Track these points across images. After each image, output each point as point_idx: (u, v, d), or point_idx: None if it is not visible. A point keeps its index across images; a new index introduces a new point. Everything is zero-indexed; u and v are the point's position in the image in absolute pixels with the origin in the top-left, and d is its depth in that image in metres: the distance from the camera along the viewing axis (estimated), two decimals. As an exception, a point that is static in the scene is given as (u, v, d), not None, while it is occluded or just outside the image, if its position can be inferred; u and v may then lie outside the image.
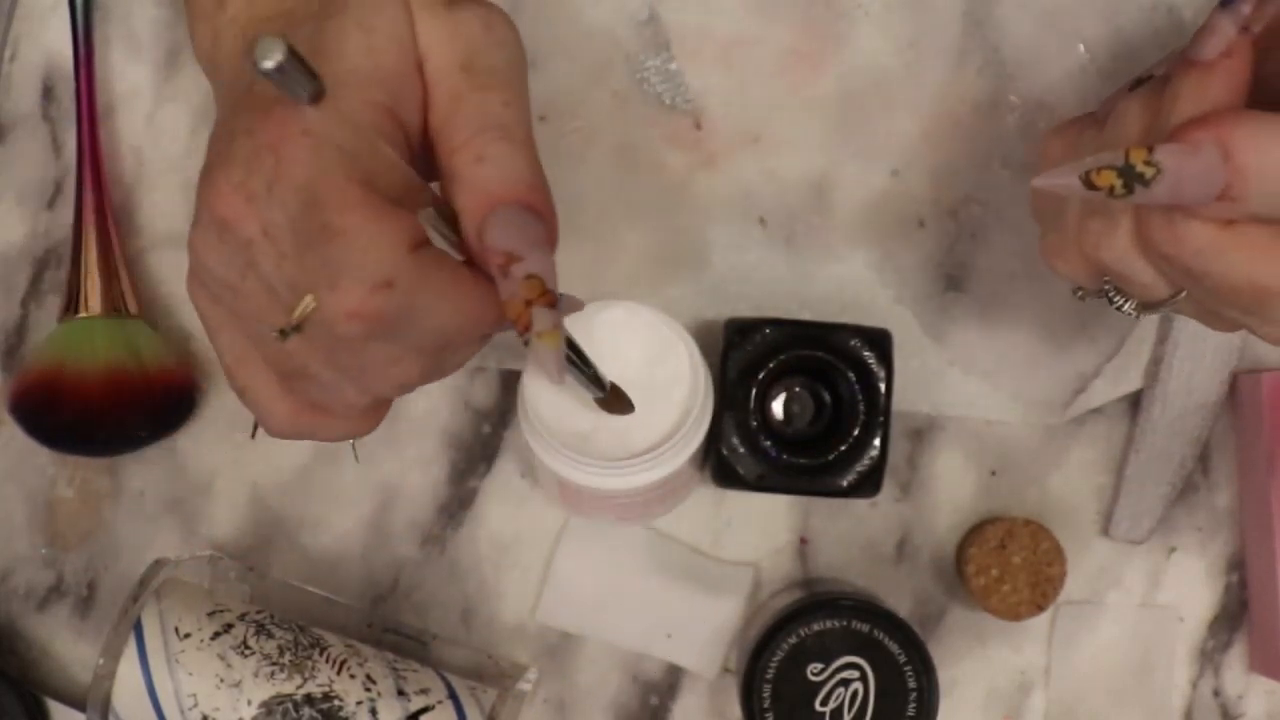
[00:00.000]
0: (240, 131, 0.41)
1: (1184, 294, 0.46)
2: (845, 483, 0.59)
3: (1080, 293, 0.50)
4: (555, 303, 0.40)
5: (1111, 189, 0.41)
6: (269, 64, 0.35)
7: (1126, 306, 0.48)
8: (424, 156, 0.44)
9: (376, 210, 0.40)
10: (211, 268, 0.43)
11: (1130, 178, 0.40)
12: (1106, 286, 0.48)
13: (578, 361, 0.49)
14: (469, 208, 0.42)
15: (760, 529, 0.64)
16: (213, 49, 0.48)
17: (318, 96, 0.37)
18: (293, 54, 0.36)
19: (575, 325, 0.55)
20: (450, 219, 0.43)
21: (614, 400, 0.53)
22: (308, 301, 0.41)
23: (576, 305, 0.43)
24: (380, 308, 0.40)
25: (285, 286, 0.41)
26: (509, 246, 0.40)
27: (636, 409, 0.55)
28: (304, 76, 0.37)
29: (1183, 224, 0.42)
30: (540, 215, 0.42)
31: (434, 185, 0.44)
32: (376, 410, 0.47)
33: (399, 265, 0.40)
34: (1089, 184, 0.41)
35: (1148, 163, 0.40)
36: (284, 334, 0.42)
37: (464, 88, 0.42)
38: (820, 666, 0.56)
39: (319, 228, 0.39)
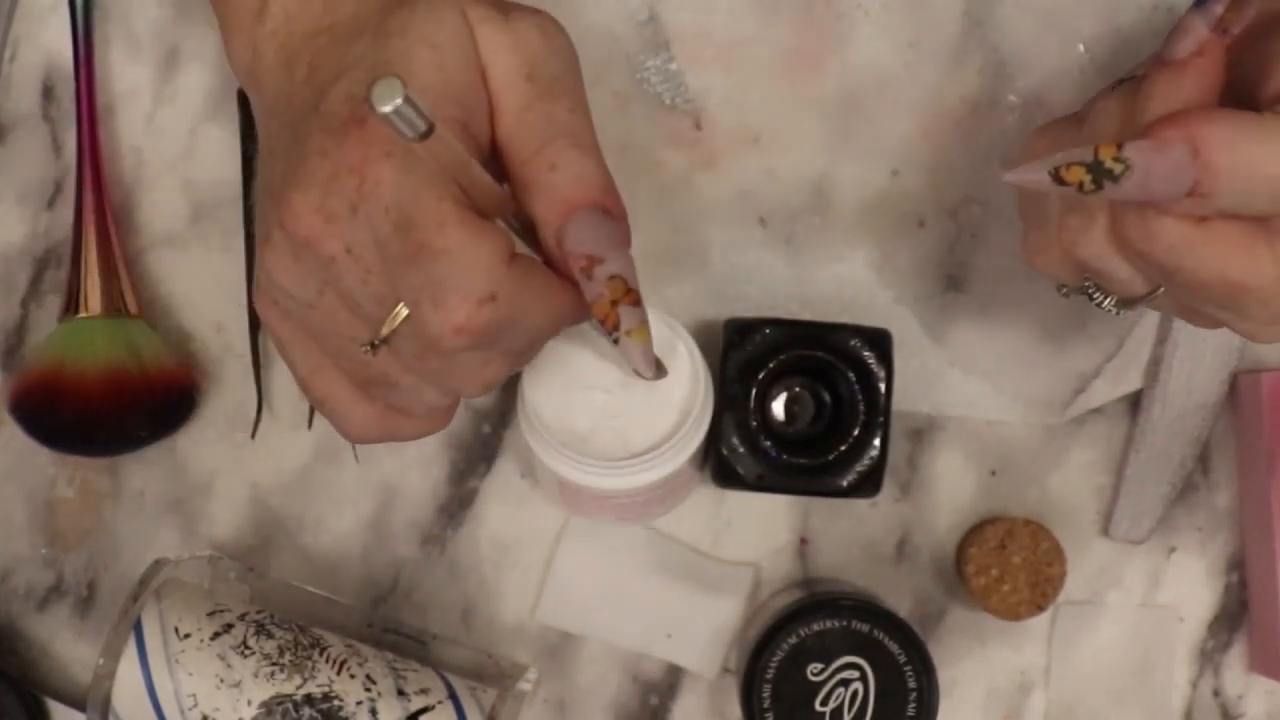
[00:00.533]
0: (314, 153, 0.42)
1: (1161, 290, 0.46)
2: (845, 483, 0.59)
3: (1064, 290, 0.50)
4: (639, 300, 0.42)
5: (1081, 185, 0.41)
6: (387, 107, 0.36)
7: (1106, 303, 0.49)
8: (493, 166, 0.45)
9: (472, 227, 0.41)
10: (285, 286, 0.44)
11: (1099, 174, 0.41)
12: (1087, 283, 0.49)
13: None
14: (547, 214, 0.43)
15: (760, 529, 0.64)
16: (252, 62, 0.48)
17: (427, 135, 0.38)
18: (409, 98, 0.36)
19: (578, 325, 0.55)
20: (524, 224, 0.44)
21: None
22: (398, 312, 0.42)
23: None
24: (486, 321, 0.41)
25: (372, 301, 0.42)
26: (590, 250, 0.42)
27: (636, 409, 0.55)
28: (418, 118, 0.37)
29: (1155, 220, 0.42)
30: (615, 216, 0.43)
31: None
32: (452, 409, 0.48)
33: (501, 278, 0.41)
34: (1058, 179, 0.41)
35: (1116, 159, 0.41)
36: (374, 347, 0.43)
37: (530, 97, 0.43)
38: (820, 666, 0.56)
39: (417, 247, 0.40)
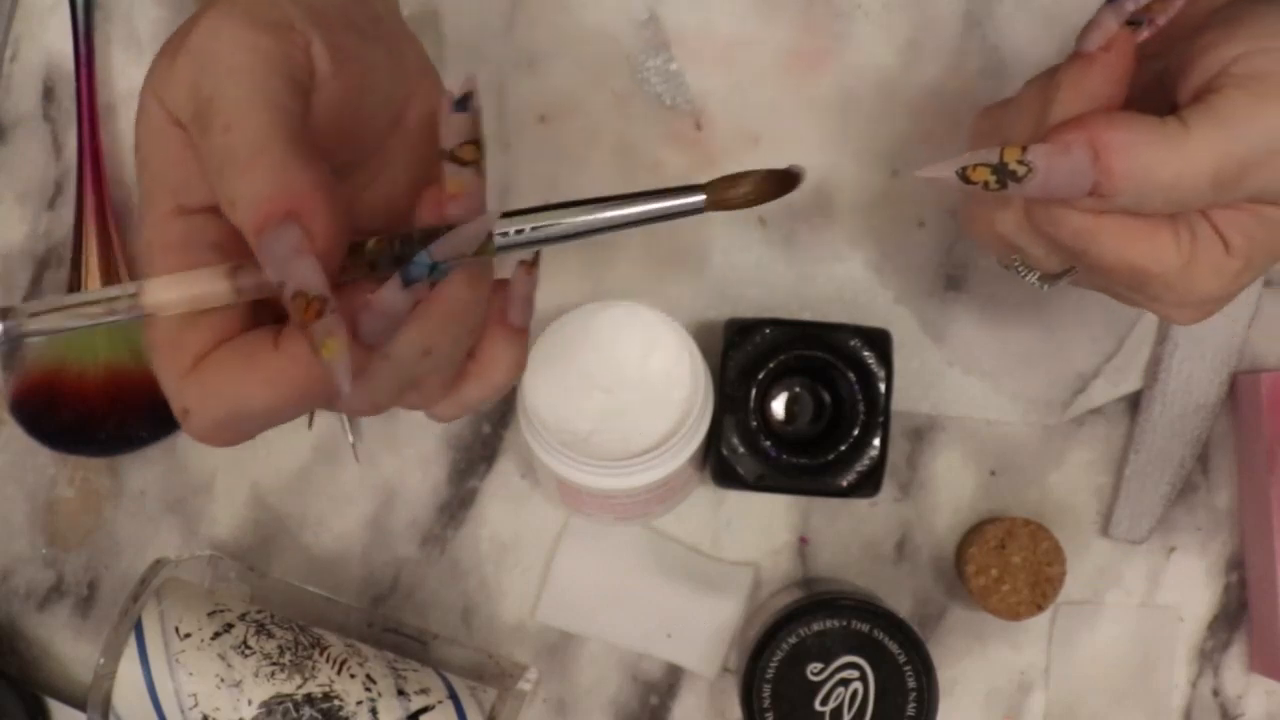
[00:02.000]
0: None
1: (1075, 269, 0.48)
2: (845, 483, 0.59)
3: (1004, 263, 0.52)
4: (323, 309, 0.37)
5: (986, 184, 0.43)
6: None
7: (1030, 277, 0.50)
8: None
9: (167, 344, 0.41)
10: None
11: (1003, 175, 0.43)
12: (1014, 258, 0.50)
13: (622, 203, 0.42)
14: (258, 256, 0.39)
15: (760, 529, 0.64)
16: None
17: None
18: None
19: (577, 325, 0.55)
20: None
21: (744, 187, 0.43)
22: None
23: (478, 227, 0.40)
24: (200, 430, 0.41)
25: None
26: (276, 275, 0.38)
27: (636, 409, 0.55)
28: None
29: (1058, 208, 0.44)
30: (297, 217, 0.38)
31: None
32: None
33: (184, 393, 0.41)
34: (965, 179, 0.43)
35: (1020, 162, 0.43)
36: None
37: (197, 139, 0.40)
38: (820, 666, 0.56)
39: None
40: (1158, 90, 0.46)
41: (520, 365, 0.44)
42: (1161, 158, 0.42)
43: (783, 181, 0.43)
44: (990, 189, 0.43)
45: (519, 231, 0.40)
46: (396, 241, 0.41)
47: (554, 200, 0.41)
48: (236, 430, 0.41)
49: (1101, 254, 0.45)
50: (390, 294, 0.39)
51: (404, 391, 0.42)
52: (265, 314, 0.42)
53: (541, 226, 0.41)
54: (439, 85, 0.47)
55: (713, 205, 0.42)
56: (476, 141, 0.41)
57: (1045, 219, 0.46)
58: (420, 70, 0.46)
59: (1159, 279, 0.45)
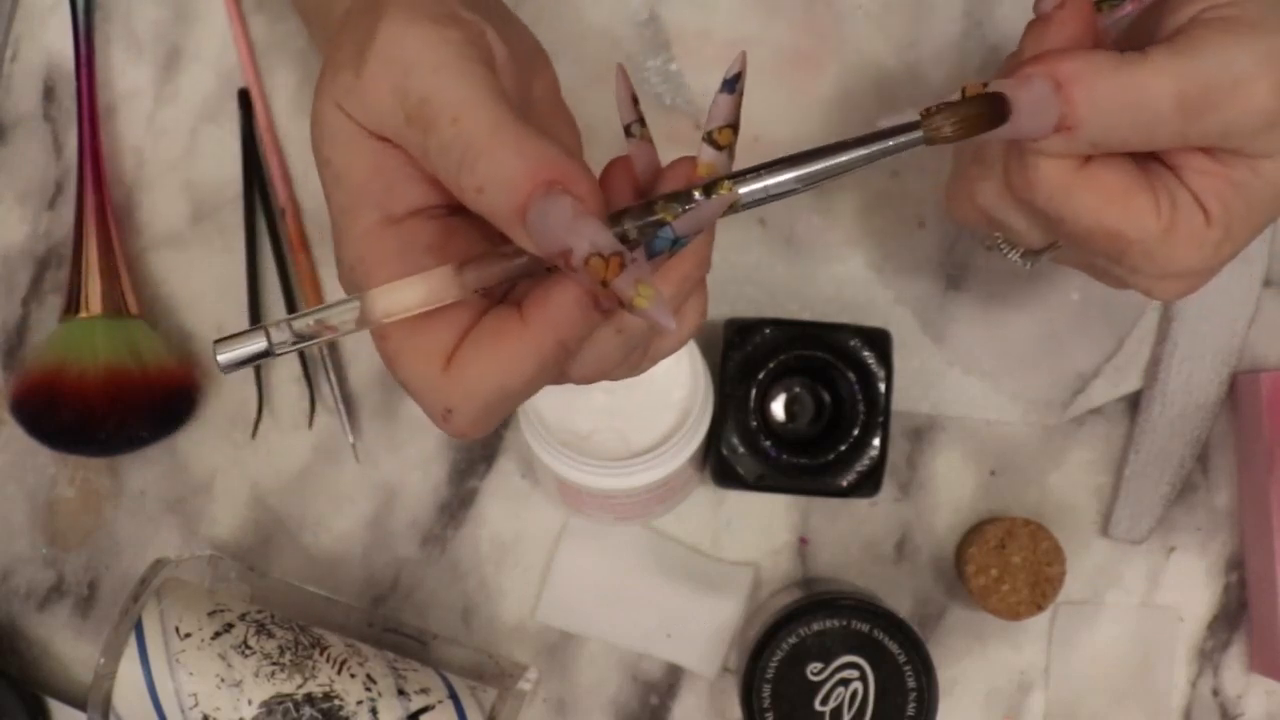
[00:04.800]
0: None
1: (1058, 244, 0.48)
2: (845, 483, 0.59)
3: (988, 243, 0.52)
4: (624, 262, 0.38)
5: None
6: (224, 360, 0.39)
7: (1012, 255, 0.51)
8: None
9: (410, 346, 0.41)
10: None
11: None
12: (997, 236, 0.50)
13: (859, 146, 0.43)
14: (508, 233, 0.40)
15: (760, 529, 0.64)
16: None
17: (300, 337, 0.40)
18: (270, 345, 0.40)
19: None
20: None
21: (965, 110, 0.44)
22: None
23: (717, 202, 0.41)
24: (460, 427, 0.41)
25: None
26: (557, 244, 0.39)
27: (636, 409, 0.55)
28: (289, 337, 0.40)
29: (1034, 168, 0.44)
30: (556, 187, 0.39)
31: None
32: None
33: (444, 393, 0.40)
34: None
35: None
36: None
37: (418, 139, 0.41)
38: (820, 666, 0.56)
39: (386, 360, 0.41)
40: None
41: (704, 312, 0.46)
42: (1122, 81, 0.43)
43: (992, 111, 0.44)
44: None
45: (753, 192, 0.42)
46: (632, 215, 0.41)
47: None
48: (500, 414, 0.41)
49: (1079, 217, 0.45)
50: (638, 268, 0.39)
51: (630, 356, 0.43)
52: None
53: (774, 184, 0.42)
54: (550, 61, 0.48)
55: (929, 140, 0.44)
56: (734, 125, 0.42)
57: (1022, 182, 0.45)
58: (536, 48, 0.48)
59: (1138, 247, 0.45)
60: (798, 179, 0.42)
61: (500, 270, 0.41)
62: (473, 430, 0.41)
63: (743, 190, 0.41)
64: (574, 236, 0.38)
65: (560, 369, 0.42)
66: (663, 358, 0.45)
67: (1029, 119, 0.43)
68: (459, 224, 0.42)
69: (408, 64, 0.40)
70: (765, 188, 0.41)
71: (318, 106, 0.42)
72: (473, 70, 0.41)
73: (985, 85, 0.43)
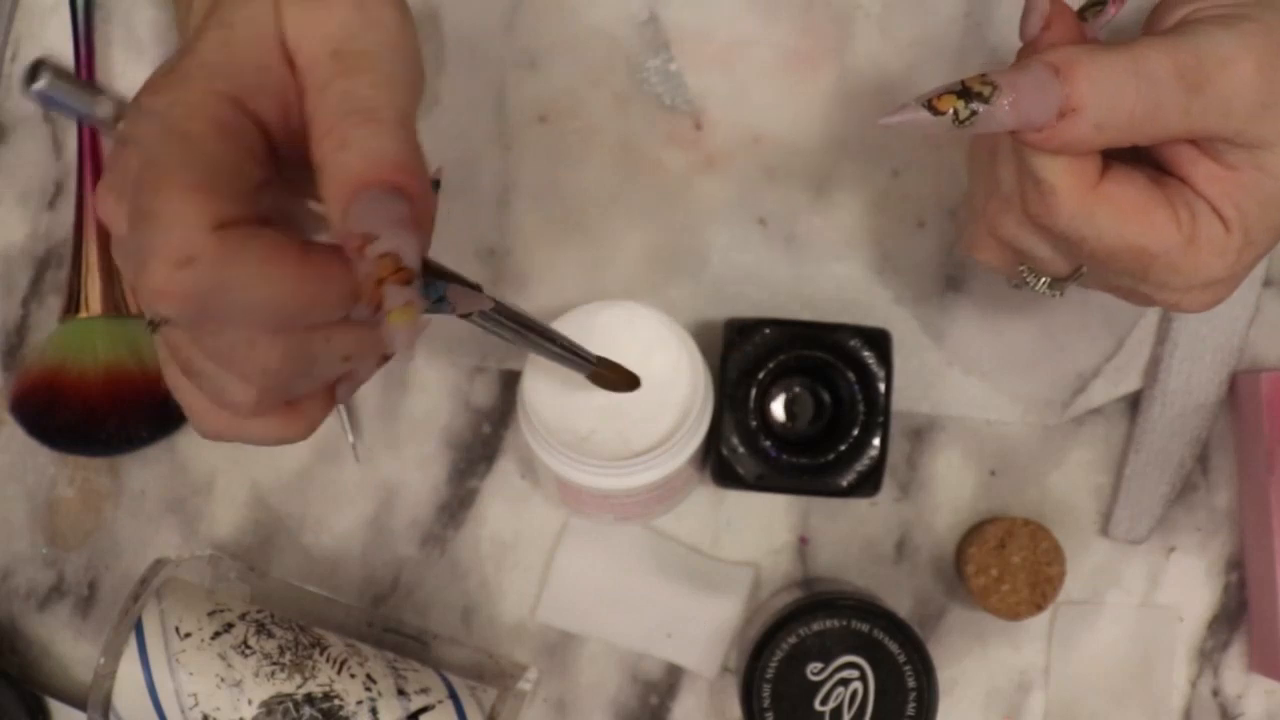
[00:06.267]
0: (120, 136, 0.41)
1: (1084, 268, 0.49)
2: (845, 483, 0.59)
3: (1014, 282, 0.52)
4: (411, 279, 0.38)
5: (955, 112, 0.44)
6: (39, 92, 0.34)
7: (1039, 285, 0.51)
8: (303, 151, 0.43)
9: (181, 190, 0.39)
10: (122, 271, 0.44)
11: (968, 97, 0.44)
12: (1021, 268, 0.51)
13: (559, 343, 0.50)
14: (333, 195, 0.40)
15: (760, 529, 0.64)
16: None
17: (114, 116, 0.36)
18: (65, 75, 0.34)
19: (576, 325, 0.55)
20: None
21: (611, 376, 0.53)
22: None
23: (480, 300, 0.44)
24: (184, 285, 0.39)
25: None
26: (366, 229, 0.39)
27: (636, 409, 0.55)
28: (85, 97, 0.36)
29: (1051, 192, 0.45)
30: (409, 195, 0.40)
31: None
32: (293, 411, 0.45)
33: (198, 243, 0.39)
34: (933, 110, 0.44)
35: (983, 82, 0.44)
36: (152, 326, 0.42)
37: (330, 75, 0.41)
38: (820, 666, 0.56)
39: (137, 212, 0.39)
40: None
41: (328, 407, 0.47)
42: (1119, 56, 0.43)
43: (629, 385, 0.54)
44: (961, 118, 0.44)
45: (487, 319, 0.46)
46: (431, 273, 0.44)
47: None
48: (221, 304, 0.40)
49: (1101, 236, 0.45)
50: (414, 292, 0.40)
51: (312, 373, 0.44)
52: None
53: (503, 326, 0.47)
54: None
55: (592, 378, 0.53)
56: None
57: (1041, 209, 0.46)
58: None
59: (1162, 260, 0.46)
60: (509, 338, 0.47)
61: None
62: (168, 285, 0.39)
63: (490, 311, 0.45)
64: (387, 233, 0.39)
65: (285, 324, 0.41)
66: (336, 403, 0.46)
67: (1032, 105, 0.43)
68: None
69: (369, 13, 0.42)
70: (493, 325, 0.46)
71: (244, 7, 0.42)
72: (407, 60, 0.42)
73: (984, 76, 0.44)
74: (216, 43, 0.42)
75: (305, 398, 0.45)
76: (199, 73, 0.41)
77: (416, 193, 0.40)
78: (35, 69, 0.34)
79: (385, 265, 0.38)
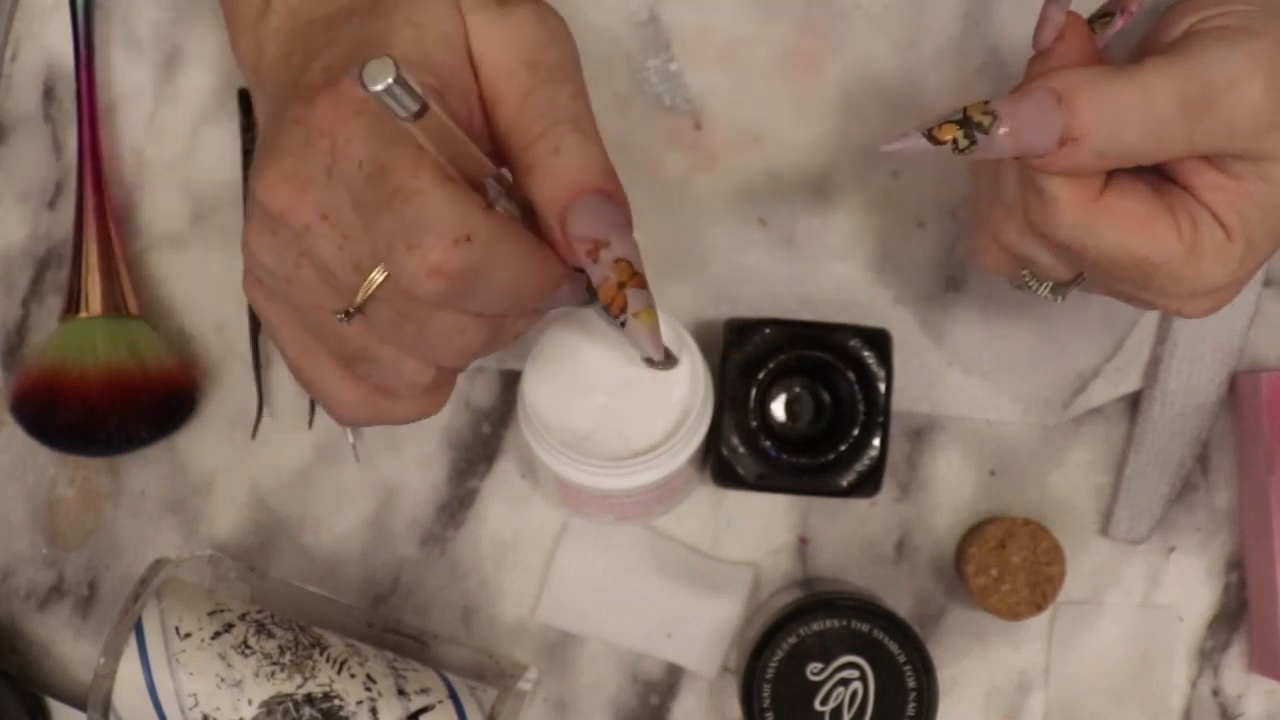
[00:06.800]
0: (287, 123, 0.42)
1: (1085, 275, 0.49)
2: (845, 483, 0.59)
3: (1016, 282, 0.52)
4: (645, 283, 0.42)
5: (955, 141, 0.44)
6: (378, 86, 0.36)
7: (1042, 290, 0.51)
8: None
9: (447, 174, 0.40)
10: (266, 263, 0.44)
11: (969, 127, 0.44)
12: (1024, 274, 0.51)
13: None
14: (550, 198, 0.42)
15: (760, 529, 0.64)
16: (257, 59, 0.48)
17: (421, 114, 0.38)
18: (401, 76, 0.36)
19: (577, 325, 0.55)
20: (523, 208, 0.44)
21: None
22: (371, 278, 0.41)
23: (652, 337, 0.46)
24: (462, 262, 0.40)
25: (347, 268, 0.42)
26: (594, 233, 0.42)
27: (636, 409, 0.55)
28: (409, 97, 0.37)
29: (1053, 203, 0.45)
30: (617, 202, 0.43)
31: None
32: (440, 388, 0.47)
33: (476, 220, 0.40)
34: (933, 139, 0.44)
35: (984, 112, 0.44)
36: (347, 315, 0.43)
37: (532, 83, 0.43)
38: (820, 666, 0.56)
39: (391, 194, 0.40)
40: None
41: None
42: (1122, 85, 0.43)
43: None
44: (960, 147, 0.44)
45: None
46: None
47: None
48: (480, 283, 0.41)
49: (1103, 246, 0.45)
50: (649, 295, 0.44)
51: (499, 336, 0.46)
52: None
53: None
54: None
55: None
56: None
57: (1042, 218, 0.46)
58: None
59: (1165, 269, 0.46)
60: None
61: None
62: (444, 263, 0.40)
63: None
64: (615, 238, 0.42)
65: (516, 305, 0.43)
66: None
67: (1033, 132, 0.43)
68: None
69: (564, 31, 0.44)
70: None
71: (435, 18, 0.43)
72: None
73: (985, 105, 0.44)
74: (410, 40, 0.43)
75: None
76: (403, 64, 0.42)
77: (624, 201, 0.43)
78: (374, 70, 0.36)
79: (623, 270, 0.42)
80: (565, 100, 0.43)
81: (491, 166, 0.43)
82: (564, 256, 0.43)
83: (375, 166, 0.40)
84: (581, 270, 0.44)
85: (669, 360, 0.52)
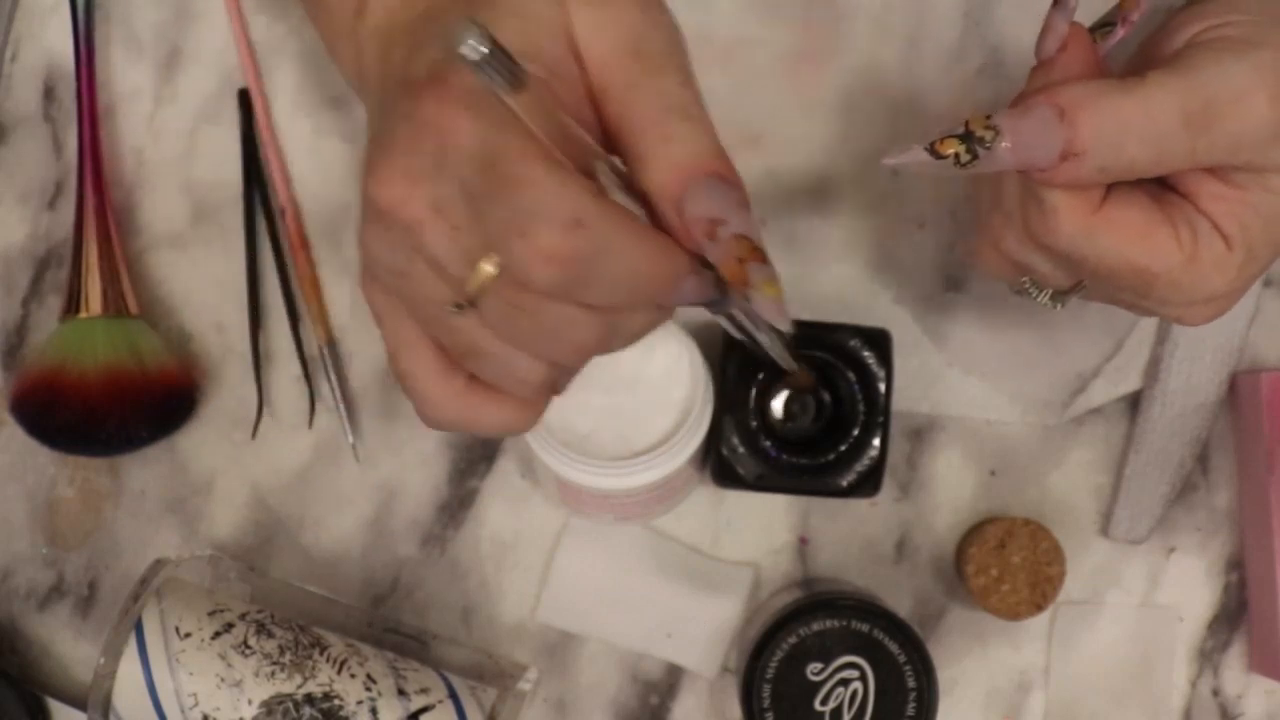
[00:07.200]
0: (397, 117, 0.42)
1: (1085, 283, 0.49)
2: (845, 483, 0.59)
3: (1016, 288, 0.52)
4: (766, 257, 0.41)
5: (957, 156, 0.44)
6: (473, 55, 0.35)
7: (1041, 297, 0.51)
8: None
9: (558, 161, 0.40)
10: (379, 258, 0.44)
11: (971, 142, 0.44)
12: (1024, 280, 0.51)
13: (783, 341, 0.50)
14: (665, 183, 0.42)
15: (760, 529, 0.64)
16: (358, 61, 0.48)
17: (519, 84, 0.37)
18: (496, 45, 0.36)
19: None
20: (635, 195, 0.44)
21: (801, 376, 0.54)
22: (484, 270, 0.41)
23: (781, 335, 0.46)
24: (575, 248, 0.40)
25: (459, 260, 0.42)
26: (712, 214, 0.42)
27: (636, 409, 0.55)
28: (507, 67, 0.36)
29: (1053, 213, 0.45)
30: (732, 183, 0.43)
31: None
32: (540, 396, 0.46)
33: (589, 205, 0.40)
34: (935, 153, 0.44)
35: (986, 126, 0.44)
36: (460, 308, 0.42)
37: (638, 73, 0.43)
38: (820, 666, 0.56)
39: (501, 183, 0.40)
40: None
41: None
42: (1125, 100, 0.43)
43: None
44: (962, 162, 0.44)
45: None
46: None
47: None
48: (594, 270, 0.41)
49: (1103, 256, 0.45)
50: (771, 269, 0.43)
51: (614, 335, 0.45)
52: None
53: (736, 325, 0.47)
54: None
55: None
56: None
57: (1041, 228, 0.46)
58: None
59: (1164, 278, 0.46)
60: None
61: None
62: (558, 249, 0.40)
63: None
64: (733, 217, 0.41)
65: (635, 300, 0.43)
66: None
67: (1034, 147, 0.43)
68: None
69: (648, 10, 0.44)
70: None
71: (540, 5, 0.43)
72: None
73: (987, 119, 0.44)
74: (515, 30, 0.42)
75: None
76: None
77: (739, 182, 0.43)
78: (465, 30, 0.35)
79: (743, 246, 0.41)
80: (673, 87, 0.43)
81: (601, 151, 0.43)
82: (682, 242, 0.43)
83: (485, 157, 0.40)
84: (709, 266, 0.43)
85: (803, 374, 0.54)
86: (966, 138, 0.44)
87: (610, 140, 0.44)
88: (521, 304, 0.42)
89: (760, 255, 0.42)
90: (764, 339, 0.48)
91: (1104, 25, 0.48)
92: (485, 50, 0.35)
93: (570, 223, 0.39)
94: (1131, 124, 0.43)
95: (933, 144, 0.44)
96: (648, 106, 0.43)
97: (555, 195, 0.39)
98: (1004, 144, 0.43)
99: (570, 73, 0.44)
